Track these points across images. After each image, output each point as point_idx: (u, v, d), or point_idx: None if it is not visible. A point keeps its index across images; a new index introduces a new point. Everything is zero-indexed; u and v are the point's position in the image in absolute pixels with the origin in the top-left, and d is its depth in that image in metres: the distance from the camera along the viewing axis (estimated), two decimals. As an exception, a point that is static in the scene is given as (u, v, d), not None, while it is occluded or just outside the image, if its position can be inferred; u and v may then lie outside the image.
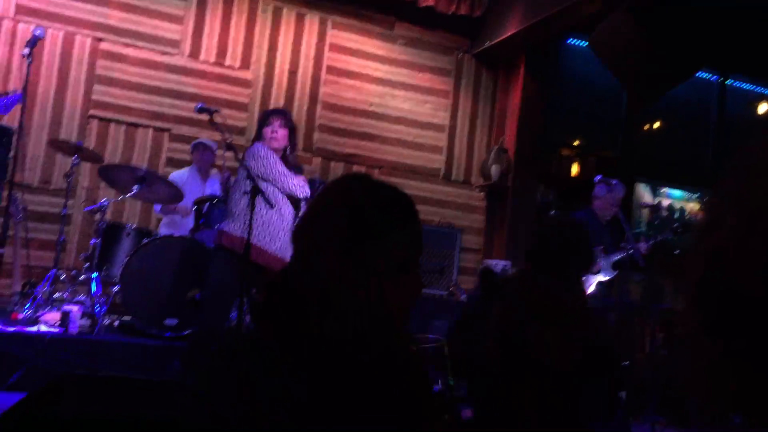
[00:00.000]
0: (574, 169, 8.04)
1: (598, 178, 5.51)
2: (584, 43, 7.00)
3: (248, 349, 1.17)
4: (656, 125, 8.51)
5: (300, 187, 4.27)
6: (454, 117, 7.48)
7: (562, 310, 2.30)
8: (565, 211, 6.53)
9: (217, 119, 4.13)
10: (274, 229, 4.15)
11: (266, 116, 4.37)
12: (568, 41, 7.71)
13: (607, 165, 7.67)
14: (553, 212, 7.31)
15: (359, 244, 1.18)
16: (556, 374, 2.20)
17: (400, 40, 7.32)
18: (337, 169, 7.02)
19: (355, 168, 7.09)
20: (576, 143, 8.20)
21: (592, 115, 8.03)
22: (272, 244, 4.12)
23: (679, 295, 0.68)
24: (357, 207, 1.23)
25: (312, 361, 1.11)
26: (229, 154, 4.54)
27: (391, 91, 7.23)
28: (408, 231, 1.25)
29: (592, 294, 5.00)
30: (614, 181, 5.41)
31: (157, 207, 5.65)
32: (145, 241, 4.87)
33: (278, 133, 4.26)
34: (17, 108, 4.92)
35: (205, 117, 4.15)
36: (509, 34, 6.79)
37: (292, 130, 4.35)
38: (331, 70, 7.04)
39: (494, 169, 7.17)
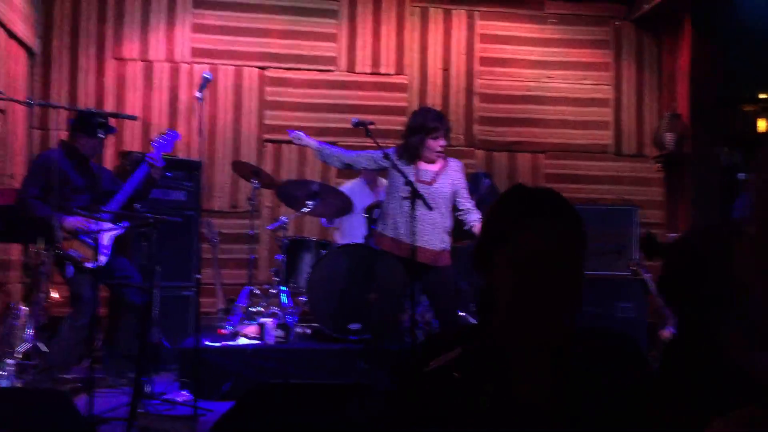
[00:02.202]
0: (761, 124, 7.37)
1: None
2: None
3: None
4: None
5: None
6: (617, 89, 7.17)
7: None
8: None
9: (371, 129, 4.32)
10: (433, 229, 4.28)
11: (431, 125, 4.39)
12: (738, -13, 7.09)
13: (799, 115, 6.96)
14: (741, 175, 6.77)
15: None
16: None
17: (552, 19, 7.14)
18: (501, 159, 7.00)
19: (519, 155, 7.02)
20: (762, 96, 7.52)
21: (775, 63, 7.32)
22: (432, 243, 4.27)
23: None
24: None
25: None
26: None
27: (547, 73, 7.08)
28: None
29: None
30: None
31: (323, 220, 5.97)
32: (323, 252, 5.17)
33: (444, 144, 4.39)
34: (203, 143, 5.51)
35: (362, 130, 4.34)
36: (668, -8, 6.39)
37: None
38: (484, 60, 7.03)
39: (668, 137, 6.77)
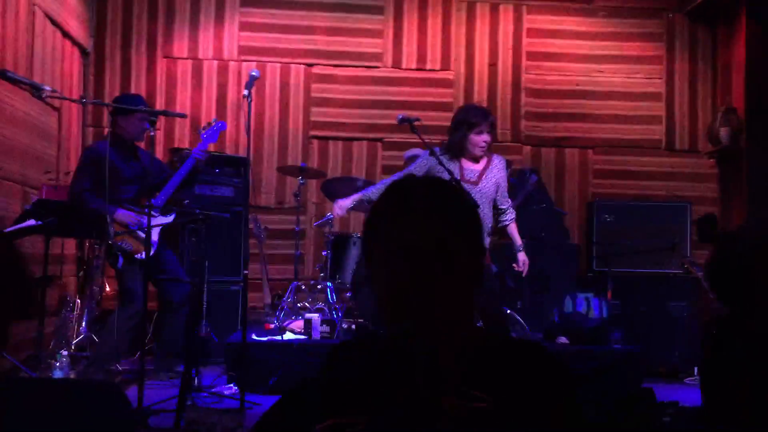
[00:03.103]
0: (822, 118, 7.11)
1: None
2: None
3: None
4: None
5: None
6: (670, 83, 6.99)
7: None
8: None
9: (417, 126, 4.29)
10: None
11: (473, 120, 4.27)
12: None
13: None
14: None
15: None
16: None
17: (601, 12, 7.00)
18: (549, 155, 6.90)
19: (568, 151, 6.92)
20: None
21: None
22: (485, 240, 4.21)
23: None
24: None
25: None
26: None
27: (597, 67, 6.95)
28: None
29: None
30: None
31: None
32: (369, 248, 5.16)
33: (488, 140, 4.28)
34: (250, 140, 5.56)
35: (407, 126, 4.32)
36: (723, -18, 6.21)
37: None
38: (531, 55, 6.94)
39: (723, 132, 6.58)
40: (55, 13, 5.54)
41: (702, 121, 6.95)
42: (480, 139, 4.24)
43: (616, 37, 6.98)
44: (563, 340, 5.20)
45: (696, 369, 5.17)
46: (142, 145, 4.97)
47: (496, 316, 4.37)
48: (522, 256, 4.46)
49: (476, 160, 4.35)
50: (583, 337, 5.15)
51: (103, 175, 4.26)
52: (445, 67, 6.89)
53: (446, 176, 4.18)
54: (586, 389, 4.44)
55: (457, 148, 4.30)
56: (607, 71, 6.95)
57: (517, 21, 6.95)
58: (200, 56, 6.68)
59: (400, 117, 4.32)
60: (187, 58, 6.67)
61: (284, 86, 6.75)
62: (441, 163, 4.22)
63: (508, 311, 5.24)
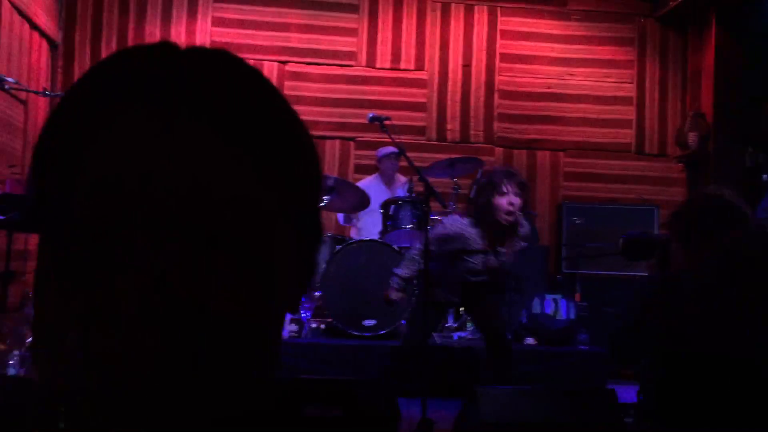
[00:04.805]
0: (788, 125, 7.23)
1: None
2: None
3: None
4: None
5: None
6: (641, 87, 7.07)
7: None
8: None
9: (386, 126, 4.28)
10: None
11: (499, 181, 3.68)
12: (766, -15, 6.95)
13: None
14: (766, 176, 6.65)
15: None
16: None
17: (575, 16, 7.06)
18: (520, 157, 6.93)
19: (539, 153, 6.95)
20: (789, 96, 7.37)
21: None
22: None
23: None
24: None
25: None
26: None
27: (569, 70, 7.00)
28: None
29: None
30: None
31: (341, 218, 5.94)
32: (338, 247, 5.16)
33: (515, 202, 3.67)
34: None
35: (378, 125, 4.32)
36: (694, -11, 6.28)
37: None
38: (504, 57, 6.97)
39: (692, 137, 6.67)
40: (24, 4, 5.44)
41: (671, 125, 7.04)
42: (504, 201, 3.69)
43: (588, 41, 7.03)
44: (531, 341, 5.23)
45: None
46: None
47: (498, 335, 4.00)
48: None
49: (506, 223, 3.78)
50: (551, 338, 5.18)
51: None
52: (419, 67, 6.89)
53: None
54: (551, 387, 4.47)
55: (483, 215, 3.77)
56: (578, 74, 7.00)
57: (492, 22, 6.97)
58: (172, 51, 6.60)
59: (371, 116, 4.31)
60: (158, 53, 6.59)
61: (257, 83, 6.69)
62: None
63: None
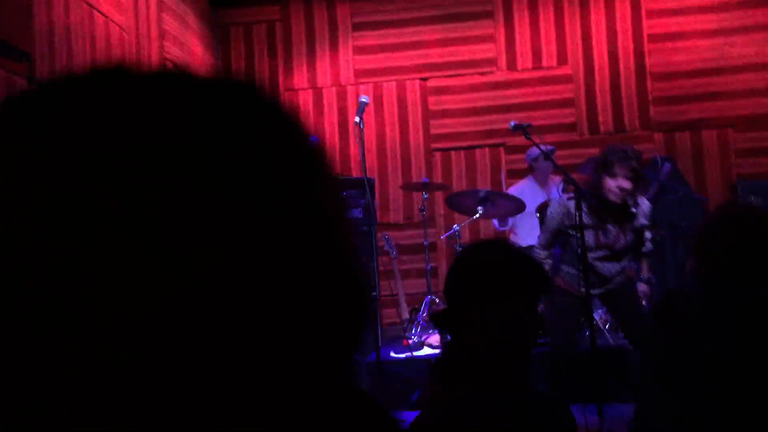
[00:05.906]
0: None
1: None
2: None
3: None
4: None
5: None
6: (813, 45, 6.43)
7: None
8: None
9: (531, 132, 4.19)
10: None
11: (611, 162, 3.69)
12: None
13: None
14: None
15: None
16: None
17: (727, -19, 6.56)
18: (683, 139, 6.53)
19: (705, 132, 6.51)
20: None
21: None
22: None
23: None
24: None
25: None
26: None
27: (727, 40, 6.51)
28: None
29: None
30: None
31: (495, 222, 5.88)
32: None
33: (624, 186, 3.67)
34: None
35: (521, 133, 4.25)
36: None
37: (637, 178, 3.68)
38: (653, 38, 6.61)
39: None
40: (182, 63, 5.96)
41: None
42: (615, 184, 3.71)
43: (744, 5, 6.50)
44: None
45: None
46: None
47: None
48: (642, 287, 4.21)
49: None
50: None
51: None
52: (561, 61, 6.71)
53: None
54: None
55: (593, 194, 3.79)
56: (738, 43, 6.49)
57: (635, 3, 6.65)
58: (319, 84, 6.93)
59: (513, 124, 4.25)
60: (307, 88, 6.94)
61: (401, 103, 6.85)
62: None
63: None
